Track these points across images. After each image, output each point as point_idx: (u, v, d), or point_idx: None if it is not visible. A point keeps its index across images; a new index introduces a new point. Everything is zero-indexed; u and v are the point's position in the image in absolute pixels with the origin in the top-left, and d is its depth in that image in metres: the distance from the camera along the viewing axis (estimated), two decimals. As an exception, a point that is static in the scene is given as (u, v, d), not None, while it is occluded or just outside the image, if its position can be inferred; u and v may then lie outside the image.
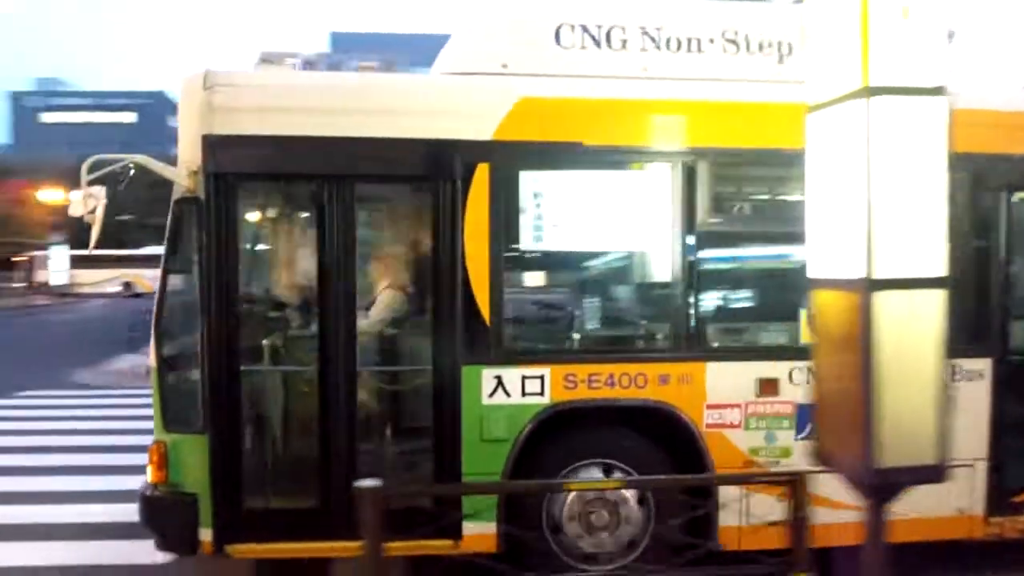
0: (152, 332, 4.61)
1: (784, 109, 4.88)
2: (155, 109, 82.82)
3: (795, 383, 4.80)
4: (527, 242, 4.74)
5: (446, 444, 4.63)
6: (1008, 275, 5.02)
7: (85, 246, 5.20)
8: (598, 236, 4.86)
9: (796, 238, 5.18)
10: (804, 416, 4.82)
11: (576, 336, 5.04)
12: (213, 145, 4.46)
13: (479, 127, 4.61)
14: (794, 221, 5.24)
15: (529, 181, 4.73)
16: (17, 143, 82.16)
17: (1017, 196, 5.08)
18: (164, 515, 4.61)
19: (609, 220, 4.83)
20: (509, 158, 4.65)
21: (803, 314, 4.87)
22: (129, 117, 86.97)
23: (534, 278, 5.17)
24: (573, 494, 4.75)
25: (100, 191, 4.42)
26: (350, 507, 4.65)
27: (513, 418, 4.62)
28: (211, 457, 4.50)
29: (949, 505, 4.89)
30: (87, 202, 4.40)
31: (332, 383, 4.65)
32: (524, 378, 4.63)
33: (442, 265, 4.63)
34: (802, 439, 4.82)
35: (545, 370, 4.66)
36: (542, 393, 4.65)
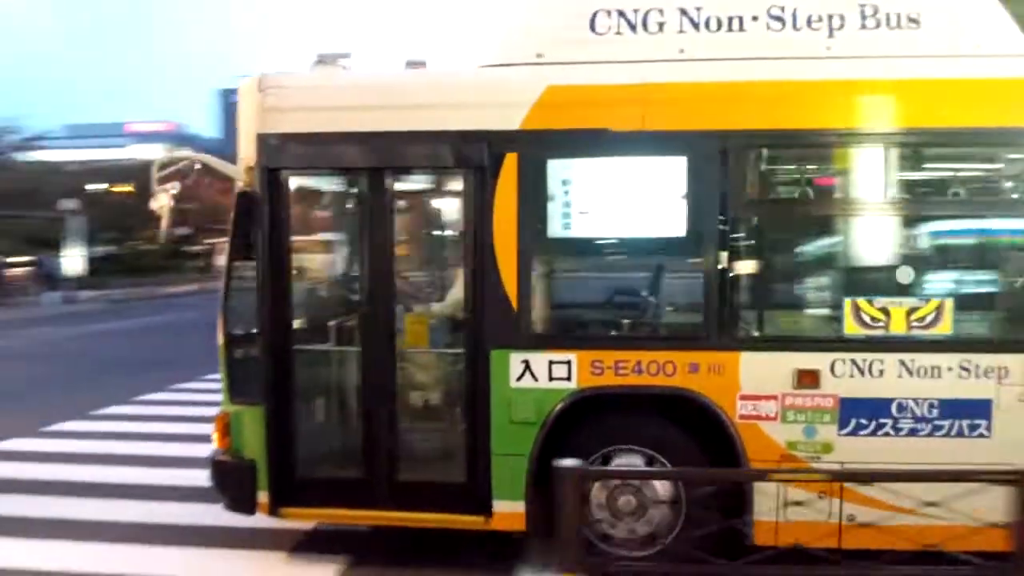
0: (219, 313, 5.11)
1: (836, 86, 4.63)
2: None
3: (838, 375, 4.56)
4: (554, 229, 4.79)
5: (478, 424, 4.81)
6: None
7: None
8: (625, 223, 4.82)
9: (843, 223, 4.96)
10: (848, 410, 4.58)
11: (603, 322, 5.03)
12: (265, 143, 4.88)
13: (508, 117, 4.71)
14: (842, 205, 4.99)
15: (556, 169, 4.77)
16: (226, 137, 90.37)
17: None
18: (228, 478, 5.12)
19: (637, 207, 4.78)
20: (536, 147, 4.72)
21: (847, 303, 4.62)
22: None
23: (561, 264, 5.18)
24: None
25: (169, 186, 4.96)
26: (391, 479, 4.99)
27: (540, 402, 4.72)
28: (266, 427, 4.95)
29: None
30: (158, 197, 4.95)
31: (376, 363, 4.96)
32: (551, 363, 4.71)
33: (473, 252, 4.80)
34: (846, 434, 4.58)
35: (572, 355, 4.71)
36: (569, 378, 4.71)
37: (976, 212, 4.87)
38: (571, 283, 5.24)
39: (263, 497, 5.01)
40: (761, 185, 4.74)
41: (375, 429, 4.97)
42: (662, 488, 4.76)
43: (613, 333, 5.02)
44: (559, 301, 5.10)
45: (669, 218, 4.72)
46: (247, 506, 5.07)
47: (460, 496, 4.89)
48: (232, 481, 5.10)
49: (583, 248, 4.99)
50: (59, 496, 6.59)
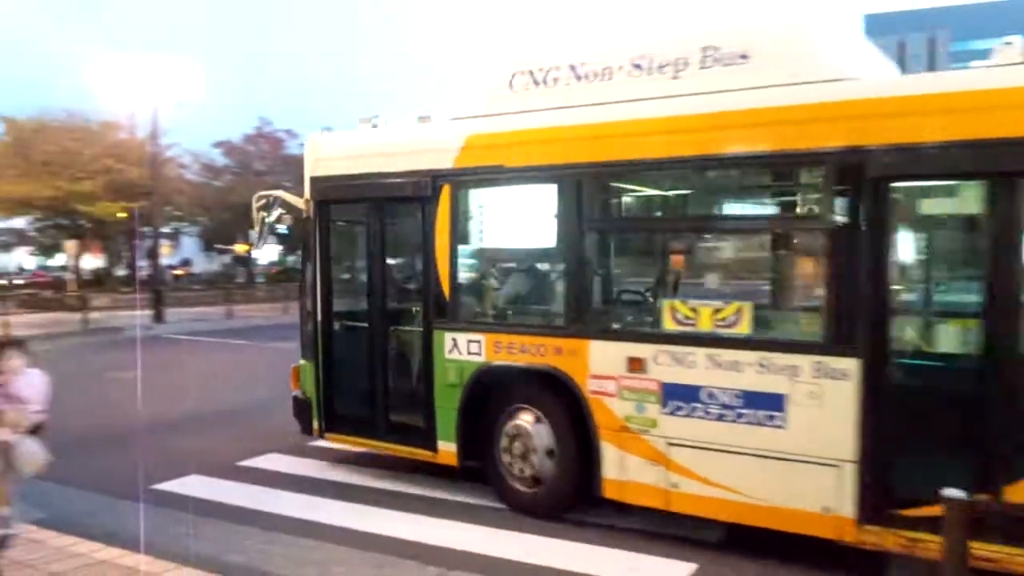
0: (299, 299, 7.55)
1: (678, 121, 5.45)
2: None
3: (659, 363, 5.44)
4: (472, 240, 6.37)
5: (427, 384, 6.57)
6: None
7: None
8: (517, 236, 6.18)
9: (670, 237, 5.67)
10: (668, 393, 5.42)
11: (499, 312, 6.40)
12: (313, 184, 7.17)
13: (445, 159, 6.37)
14: (668, 223, 5.70)
15: (473, 196, 6.35)
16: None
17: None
18: (298, 410, 7.54)
19: (525, 224, 6.12)
20: (459, 180, 6.32)
21: (666, 303, 5.47)
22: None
23: (475, 266, 6.62)
24: (508, 426, 6.22)
25: (261, 215, 7.48)
26: (386, 418, 6.98)
27: (462, 370, 6.33)
28: (314, 376, 7.26)
29: (812, 500, 4.95)
30: (256, 220, 7.50)
31: (375, 336, 6.99)
32: (469, 341, 6.30)
33: (425, 256, 6.55)
34: (667, 413, 5.43)
35: (482, 336, 6.24)
36: (480, 354, 6.25)
37: (778, 227, 5.30)
38: (482, 281, 6.67)
39: (316, 425, 7.34)
40: (604, 206, 5.74)
41: (376, 382, 7.00)
42: (539, 441, 6.04)
43: (506, 320, 6.41)
44: (473, 294, 6.60)
45: (545, 233, 6.00)
46: (308, 430, 7.44)
47: (421, 435, 6.69)
48: (300, 412, 7.51)
49: (489, 255, 6.46)
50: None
